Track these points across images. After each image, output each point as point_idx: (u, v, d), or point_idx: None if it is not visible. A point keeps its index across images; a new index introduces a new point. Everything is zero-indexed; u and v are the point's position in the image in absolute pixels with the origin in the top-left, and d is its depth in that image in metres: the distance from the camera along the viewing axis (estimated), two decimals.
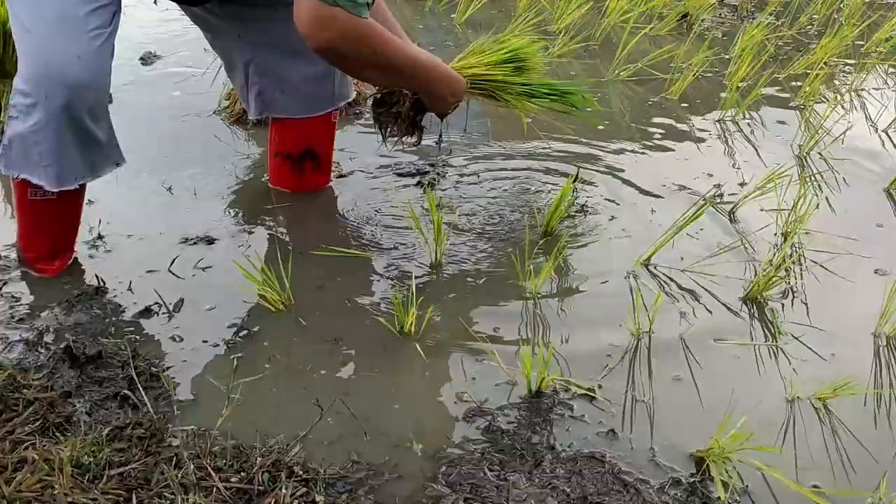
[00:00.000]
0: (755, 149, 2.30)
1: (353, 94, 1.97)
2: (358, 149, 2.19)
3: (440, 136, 1.92)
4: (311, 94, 1.83)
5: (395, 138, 1.76)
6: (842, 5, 3.48)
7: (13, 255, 1.66)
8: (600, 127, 2.41)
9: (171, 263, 1.67)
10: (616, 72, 2.78)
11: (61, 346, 1.40)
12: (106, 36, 1.50)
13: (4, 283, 1.60)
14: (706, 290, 1.67)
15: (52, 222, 1.62)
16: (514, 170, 2.14)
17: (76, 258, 1.68)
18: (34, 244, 1.63)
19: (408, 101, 1.69)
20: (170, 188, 1.96)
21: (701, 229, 1.86)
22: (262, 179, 2.03)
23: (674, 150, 2.22)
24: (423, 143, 1.87)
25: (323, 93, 1.84)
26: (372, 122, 1.79)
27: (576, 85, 1.93)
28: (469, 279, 1.67)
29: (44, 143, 1.46)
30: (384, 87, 1.71)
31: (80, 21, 1.45)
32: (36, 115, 1.44)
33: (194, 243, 1.76)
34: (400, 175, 2.08)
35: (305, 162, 1.93)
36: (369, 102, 1.81)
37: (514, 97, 1.80)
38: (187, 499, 1.11)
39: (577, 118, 2.02)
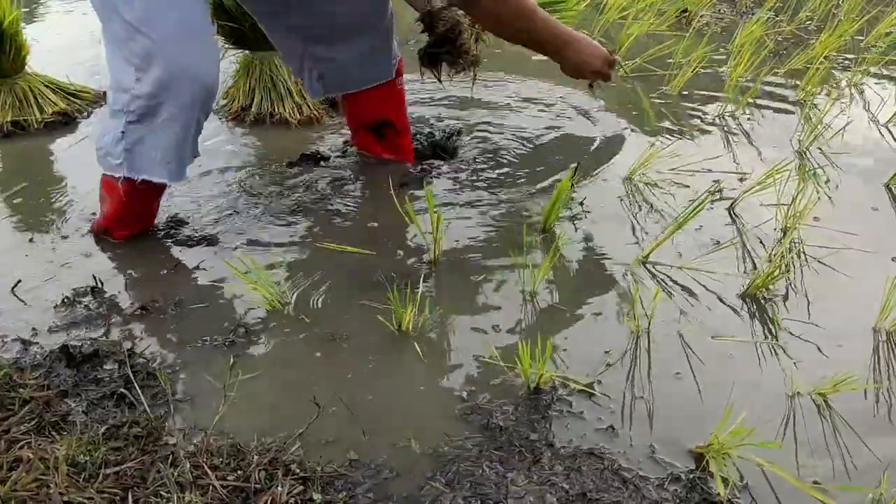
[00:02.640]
0: (754, 144, 2.30)
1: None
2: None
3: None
4: (371, 65, 1.97)
5: (458, 71, 1.90)
6: (840, 1, 3.47)
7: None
8: (598, 126, 2.41)
9: (174, 267, 1.67)
10: (615, 68, 2.77)
11: (58, 345, 1.40)
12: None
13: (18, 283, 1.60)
14: (705, 286, 1.66)
15: (151, 206, 1.77)
16: (512, 168, 2.13)
17: (75, 254, 1.68)
18: (129, 224, 1.74)
19: (472, 34, 1.86)
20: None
21: (700, 225, 1.85)
22: (260, 178, 2.03)
23: (673, 146, 2.21)
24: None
25: (382, 62, 1.98)
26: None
27: None
28: (467, 276, 1.67)
29: (167, 140, 1.56)
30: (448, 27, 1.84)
31: (204, 25, 1.56)
32: (164, 114, 1.53)
33: (193, 244, 1.75)
34: (399, 173, 2.08)
35: (385, 129, 2.07)
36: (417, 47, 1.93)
37: None
38: (183, 497, 1.10)
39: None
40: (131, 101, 1.53)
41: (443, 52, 1.85)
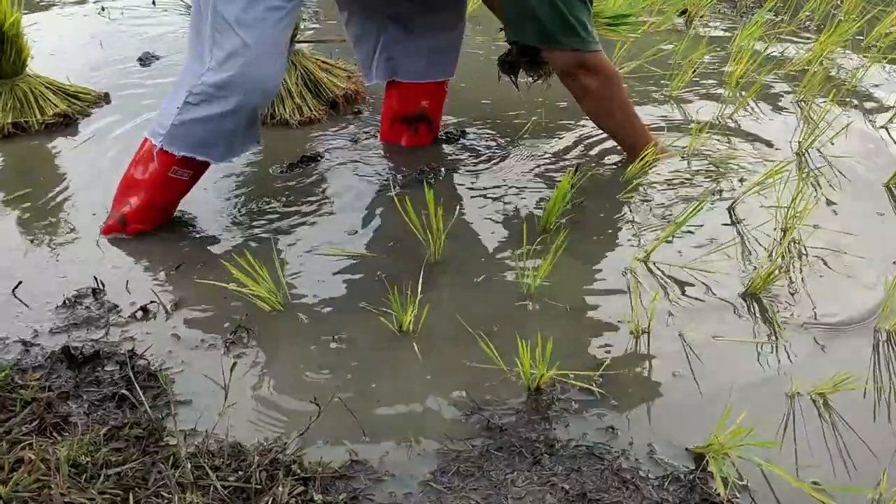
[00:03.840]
0: (754, 145, 2.30)
1: None
2: (355, 150, 2.19)
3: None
4: (436, 60, 2.09)
5: (535, 79, 2.05)
6: (840, 1, 3.47)
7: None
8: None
9: (178, 268, 1.68)
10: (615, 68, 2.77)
11: (59, 346, 1.40)
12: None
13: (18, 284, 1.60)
14: (705, 286, 1.66)
15: (175, 198, 1.82)
16: (512, 169, 2.14)
17: (77, 255, 1.68)
18: (150, 219, 1.78)
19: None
20: None
21: (700, 225, 1.85)
22: (261, 180, 2.03)
23: (672, 147, 2.21)
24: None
25: (447, 60, 2.11)
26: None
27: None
28: (467, 276, 1.67)
29: (222, 128, 1.69)
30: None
31: (286, 43, 1.70)
32: (223, 106, 1.65)
33: (193, 245, 1.76)
34: (400, 174, 2.08)
35: (420, 124, 2.16)
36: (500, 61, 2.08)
37: None
38: (185, 498, 1.10)
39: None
40: (198, 85, 1.64)
41: (523, 61, 1.99)
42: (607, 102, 1.97)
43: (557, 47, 1.84)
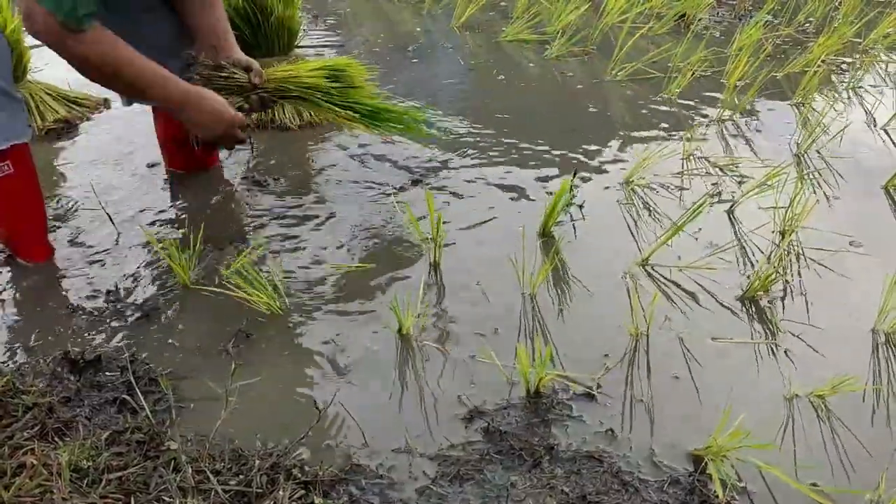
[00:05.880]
0: (753, 147, 2.30)
1: None
2: (352, 152, 2.19)
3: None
4: None
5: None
6: (838, 3, 3.48)
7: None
8: (596, 130, 2.41)
9: (174, 274, 1.68)
10: (614, 72, 2.79)
11: (60, 351, 1.41)
12: None
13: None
14: (704, 288, 1.67)
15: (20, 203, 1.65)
16: (507, 173, 2.14)
17: (76, 262, 1.69)
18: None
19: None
20: (171, 192, 1.96)
21: (699, 228, 1.86)
22: (261, 185, 2.04)
23: (671, 150, 2.22)
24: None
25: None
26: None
27: (410, 112, 2.00)
28: (467, 280, 1.67)
29: None
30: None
31: None
32: None
33: (193, 250, 1.76)
34: (398, 177, 2.08)
35: (193, 145, 1.95)
36: None
37: (334, 108, 1.88)
38: (186, 502, 1.11)
39: (414, 138, 2.07)
40: None
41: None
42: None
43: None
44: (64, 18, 1.42)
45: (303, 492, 1.15)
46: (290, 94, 1.85)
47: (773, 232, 1.87)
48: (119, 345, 1.46)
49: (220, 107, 1.70)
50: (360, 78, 1.92)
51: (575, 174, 1.97)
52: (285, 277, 1.66)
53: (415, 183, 2.06)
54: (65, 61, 1.55)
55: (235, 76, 1.77)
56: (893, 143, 2.38)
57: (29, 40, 2.34)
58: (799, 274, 1.73)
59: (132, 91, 1.64)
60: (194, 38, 1.79)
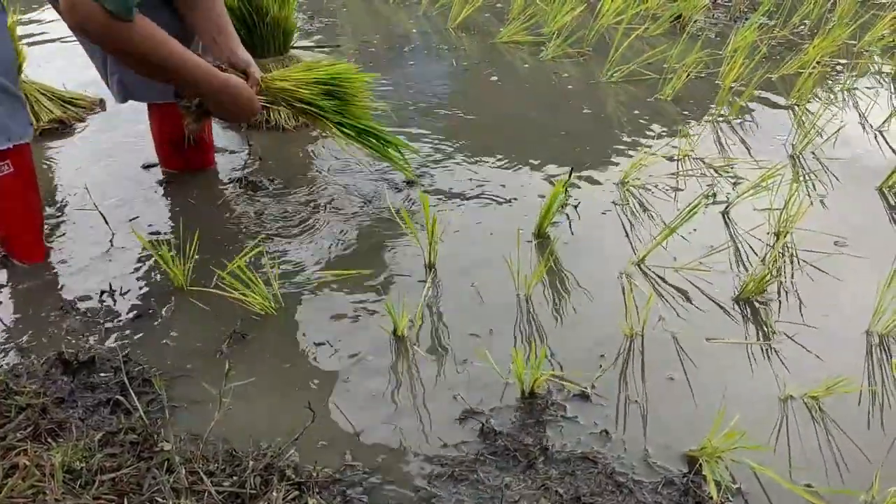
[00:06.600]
0: (748, 149, 2.31)
1: None
2: (351, 153, 2.19)
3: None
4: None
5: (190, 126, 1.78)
6: (833, 5, 3.49)
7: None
8: (591, 131, 2.42)
9: (168, 275, 1.67)
10: (609, 73, 2.79)
11: (54, 352, 1.40)
12: None
13: None
14: (699, 289, 1.67)
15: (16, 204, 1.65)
16: (502, 174, 2.14)
17: (71, 262, 1.68)
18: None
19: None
20: (166, 193, 1.96)
21: (694, 229, 1.86)
22: (255, 185, 2.03)
23: (666, 151, 2.22)
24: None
25: None
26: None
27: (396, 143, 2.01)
28: (462, 280, 1.67)
29: None
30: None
31: None
32: None
33: (187, 251, 1.76)
34: (394, 178, 2.08)
35: (188, 145, 2.01)
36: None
37: (328, 123, 1.88)
38: (179, 503, 1.10)
39: (395, 167, 2.06)
40: None
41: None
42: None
43: None
44: (115, 8, 1.43)
45: (297, 492, 1.15)
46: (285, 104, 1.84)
47: (767, 233, 1.87)
48: (113, 345, 1.46)
49: (252, 95, 1.73)
50: (359, 86, 1.91)
51: (570, 175, 1.97)
52: (280, 278, 1.65)
53: (410, 184, 2.05)
54: (106, 51, 1.59)
55: None
56: (888, 144, 2.39)
57: (23, 39, 2.33)
58: (793, 275, 1.73)
59: (174, 77, 1.62)
60: (194, 33, 1.79)
